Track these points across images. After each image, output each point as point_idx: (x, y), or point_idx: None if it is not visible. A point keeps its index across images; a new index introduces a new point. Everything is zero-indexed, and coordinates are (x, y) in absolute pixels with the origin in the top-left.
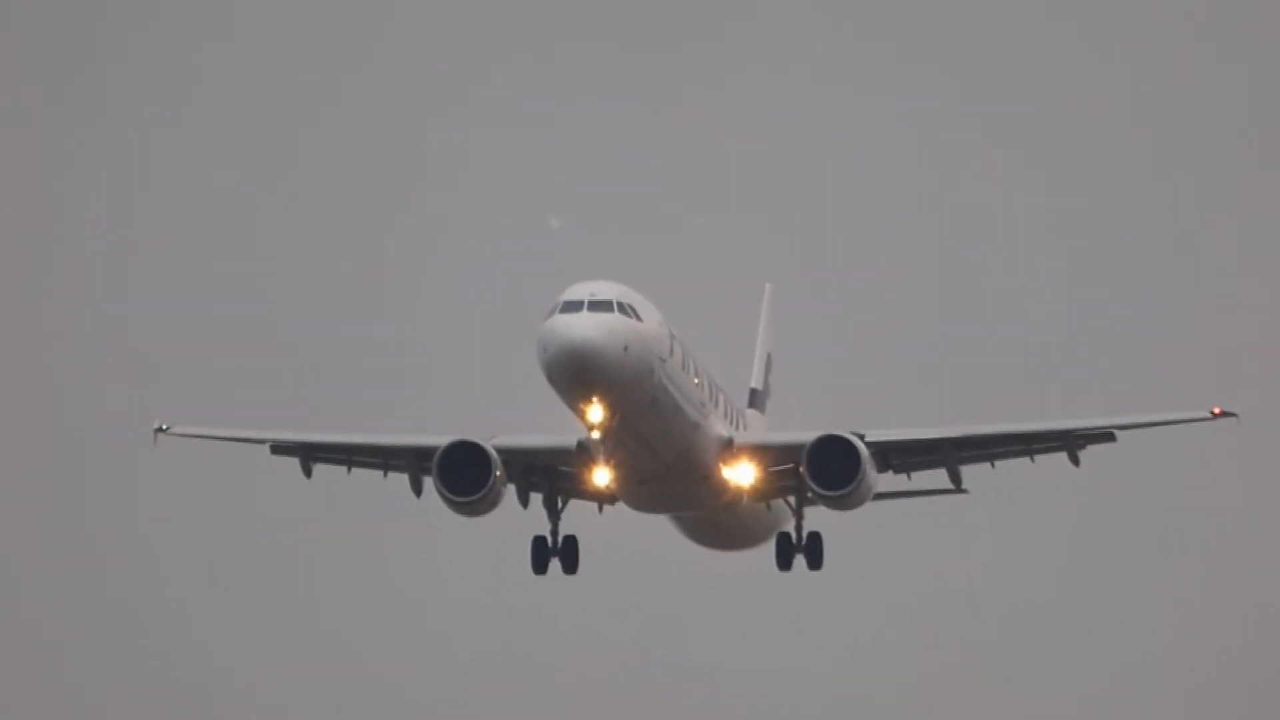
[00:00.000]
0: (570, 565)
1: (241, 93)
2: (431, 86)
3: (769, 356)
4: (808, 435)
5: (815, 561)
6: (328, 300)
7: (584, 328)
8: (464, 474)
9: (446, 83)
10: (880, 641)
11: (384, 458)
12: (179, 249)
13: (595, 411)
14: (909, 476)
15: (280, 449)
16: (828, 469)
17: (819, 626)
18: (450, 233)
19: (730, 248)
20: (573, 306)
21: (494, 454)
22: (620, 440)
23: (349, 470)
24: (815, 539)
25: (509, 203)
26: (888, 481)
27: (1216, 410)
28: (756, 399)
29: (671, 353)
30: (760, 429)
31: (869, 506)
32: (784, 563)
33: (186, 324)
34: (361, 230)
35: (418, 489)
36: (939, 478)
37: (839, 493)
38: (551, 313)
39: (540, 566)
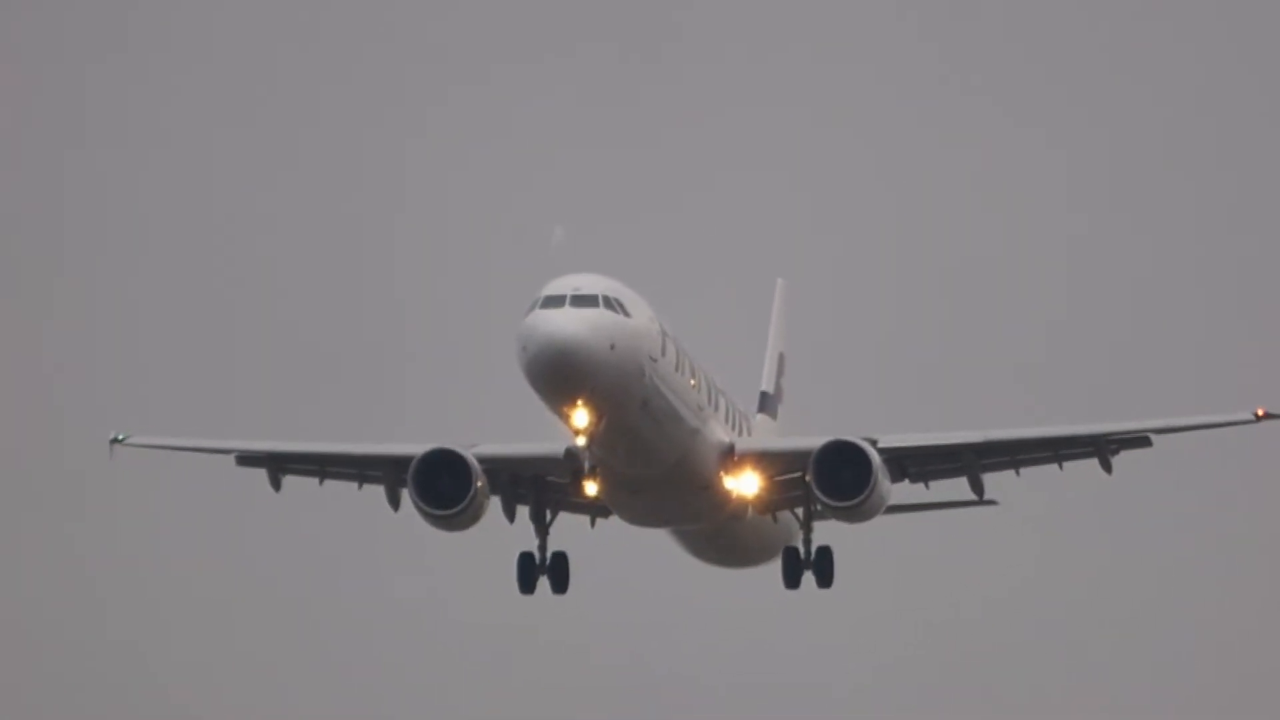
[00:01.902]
0: (560, 584)
1: (215, 96)
2: (410, 86)
3: (781, 357)
4: (815, 440)
5: (825, 579)
6: (299, 303)
7: (567, 324)
8: (443, 485)
9: (425, 82)
10: (895, 665)
11: (358, 468)
12: (145, 251)
13: (580, 415)
14: (927, 486)
15: (247, 460)
16: (837, 477)
17: (828, 649)
18: (429, 231)
19: (739, 240)
20: (555, 301)
21: (475, 463)
22: (610, 447)
23: (321, 482)
24: (825, 554)
25: (490, 197)
26: (906, 492)
27: (1261, 412)
28: (767, 403)
29: (664, 351)
30: (771, 435)
31: (884, 519)
32: (791, 580)
33: (148, 328)
34: (334, 232)
35: (395, 502)
36: (960, 487)
37: (849, 503)
38: (532, 308)
39: (527, 585)
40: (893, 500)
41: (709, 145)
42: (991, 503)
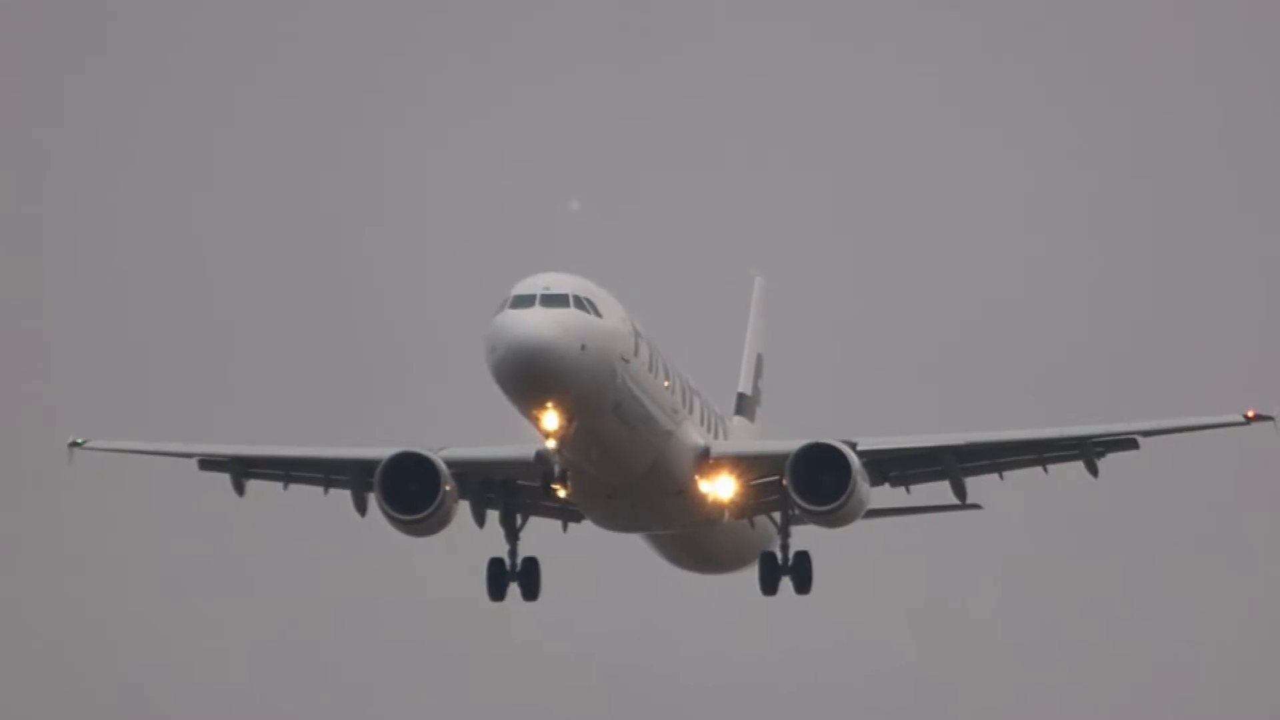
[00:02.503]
0: (531, 590)
1: (186, 84)
2: (391, 82)
3: (760, 358)
4: (793, 443)
5: (803, 585)
6: (266, 304)
7: (536, 325)
8: (410, 489)
9: (404, 79)
10: (874, 673)
11: (324, 472)
12: (108, 249)
13: (551, 418)
14: (908, 490)
15: (210, 464)
16: (815, 481)
17: (806, 657)
18: (399, 232)
19: (717, 238)
20: (524, 301)
21: (443, 467)
22: (582, 450)
23: (285, 487)
24: (803, 559)
25: (461, 195)
26: (887, 496)
27: (1251, 414)
28: (745, 405)
29: (636, 352)
30: (748, 438)
31: (865, 523)
32: (768, 586)
33: (110, 329)
34: (302, 230)
35: (361, 507)
36: (943, 491)
37: (826, 508)
38: (501, 308)
39: (497, 592)
40: (873, 504)
41: (687, 140)
42: (975, 507)
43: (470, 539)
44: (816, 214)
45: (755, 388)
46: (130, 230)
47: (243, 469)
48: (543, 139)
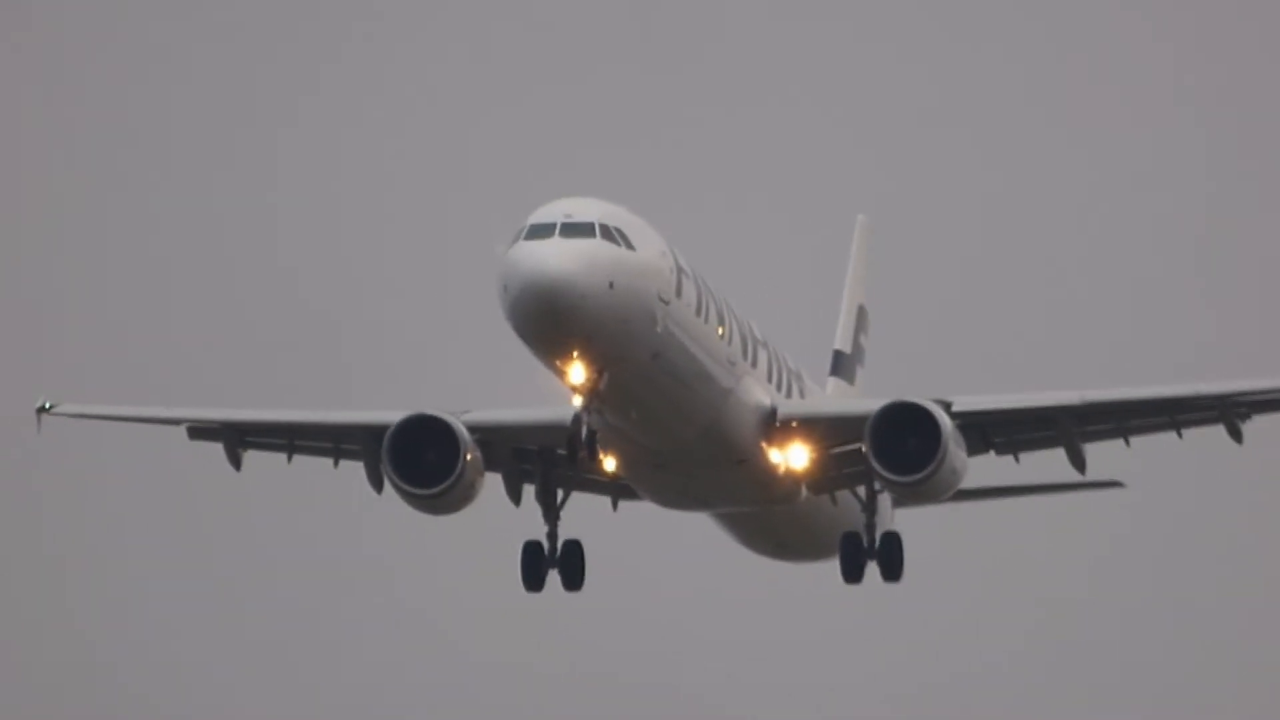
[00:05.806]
0: (573, 579)
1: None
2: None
3: (861, 309)
4: (873, 403)
5: (892, 571)
6: (267, 255)
7: (554, 258)
8: (427, 459)
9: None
10: (973, 676)
11: (332, 440)
12: (83, 196)
13: (577, 370)
14: (1017, 459)
15: (200, 431)
16: (901, 448)
17: (894, 658)
18: (408, 165)
19: (809, 168)
20: (542, 231)
21: (464, 432)
22: (620, 411)
23: (290, 458)
24: (892, 542)
25: (488, 115)
26: (994, 466)
27: None
28: (843, 364)
29: (679, 292)
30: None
31: (974, 504)
32: (852, 572)
33: (90, 284)
34: (296, 166)
35: (377, 481)
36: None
37: (912, 479)
38: (515, 240)
39: (534, 581)
40: (988, 480)
41: (774, 52)
42: (1114, 484)
43: (505, 519)
44: (927, 144)
45: (856, 344)
46: (105, 184)
47: (238, 437)
48: (595, 51)
